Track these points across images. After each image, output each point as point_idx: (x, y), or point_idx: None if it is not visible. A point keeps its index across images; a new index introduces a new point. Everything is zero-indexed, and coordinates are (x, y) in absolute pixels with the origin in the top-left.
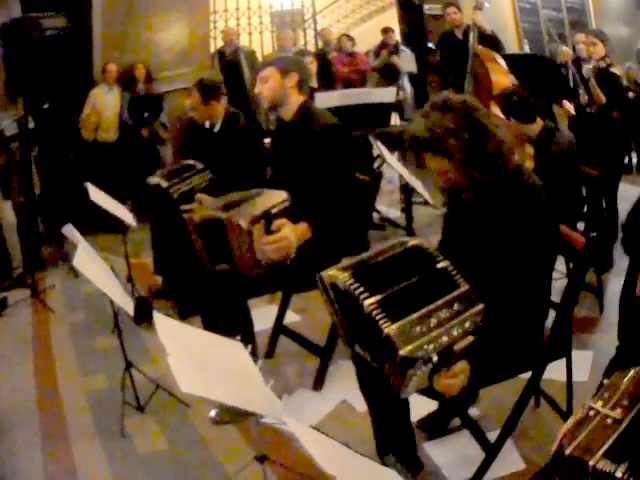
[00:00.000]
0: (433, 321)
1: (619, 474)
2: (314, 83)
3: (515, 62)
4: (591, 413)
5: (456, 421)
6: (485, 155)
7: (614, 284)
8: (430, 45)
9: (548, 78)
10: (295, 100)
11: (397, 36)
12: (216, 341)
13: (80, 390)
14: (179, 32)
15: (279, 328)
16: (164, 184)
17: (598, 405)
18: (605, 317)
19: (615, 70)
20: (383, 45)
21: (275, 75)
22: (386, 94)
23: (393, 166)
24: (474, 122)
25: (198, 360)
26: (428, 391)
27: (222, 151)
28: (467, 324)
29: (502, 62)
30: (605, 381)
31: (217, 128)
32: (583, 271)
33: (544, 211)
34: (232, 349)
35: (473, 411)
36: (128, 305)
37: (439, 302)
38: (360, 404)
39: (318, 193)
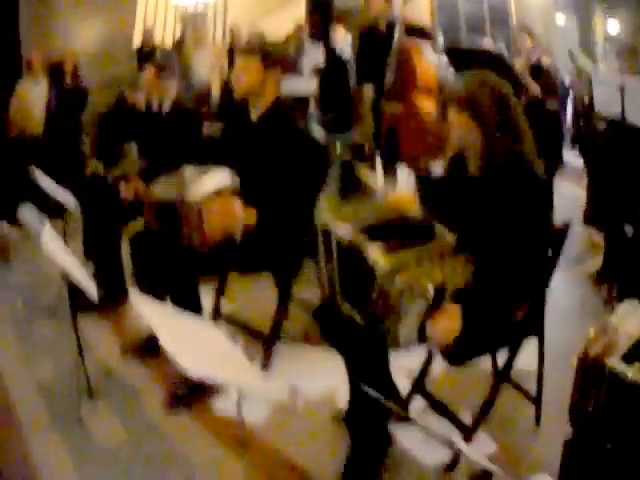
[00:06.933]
0: (426, 260)
1: (630, 374)
2: None
3: (461, 56)
4: (608, 326)
5: (419, 404)
6: (506, 132)
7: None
8: None
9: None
10: (270, 95)
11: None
12: (193, 320)
13: (27, 378)
14: (104, 27)
15: (216, 313)
16: (100, 170)
17: (614, 320)
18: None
19: (546, 60)
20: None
21: (258, 67)
22: (306, 85)
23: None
24: (506, 104)
25: (186, 340)
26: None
27: (168, 131)
28: (458, 268)
29: (430, 55)
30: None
31: (166, 108)
32: (559, 251)
33: (545, 201)
34: (210, 329)
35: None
36: (91, 287)
37: (430, 246)
38: (310, 390)
39: (272, 191)
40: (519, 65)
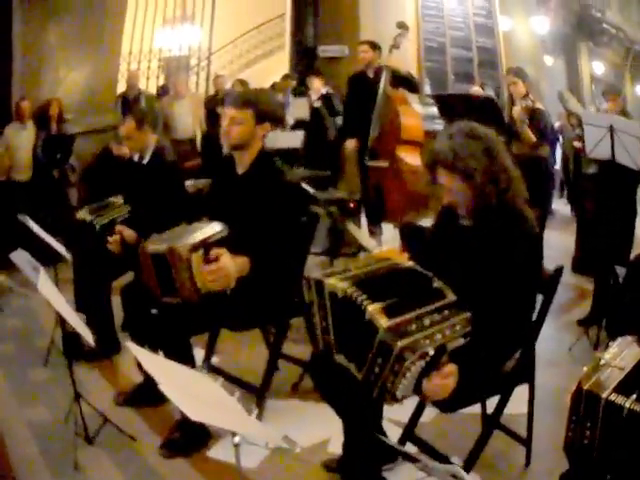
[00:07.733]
0: (426, 321)
1: (627, 405)
2: None
3: (450, 103)
4: (601, 362)
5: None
6: (498, 185)
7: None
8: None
9: (491, 120)
10: (255, 148)
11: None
12: (188, 371)
13: (21, 423)
14: (91, 75)
15: (208, 367)
16: (88, 217)
17: (607, 357)
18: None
19: (539, 105)
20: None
21: (250, 121)
22: (293, 138)
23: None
24: (495, 154)
25: (184, 389)
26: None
27: (148, 183)
28: (458, 327)
29: (416, 106)
30: (611, 343)
31: (146, 159)
32: (551, 297)
33: (536, 250)
34: (206, 380)
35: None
36: (87, 333)
37: (431, 307)
38: (302, 439)
39: (263, 242)
40: (516, 114)
